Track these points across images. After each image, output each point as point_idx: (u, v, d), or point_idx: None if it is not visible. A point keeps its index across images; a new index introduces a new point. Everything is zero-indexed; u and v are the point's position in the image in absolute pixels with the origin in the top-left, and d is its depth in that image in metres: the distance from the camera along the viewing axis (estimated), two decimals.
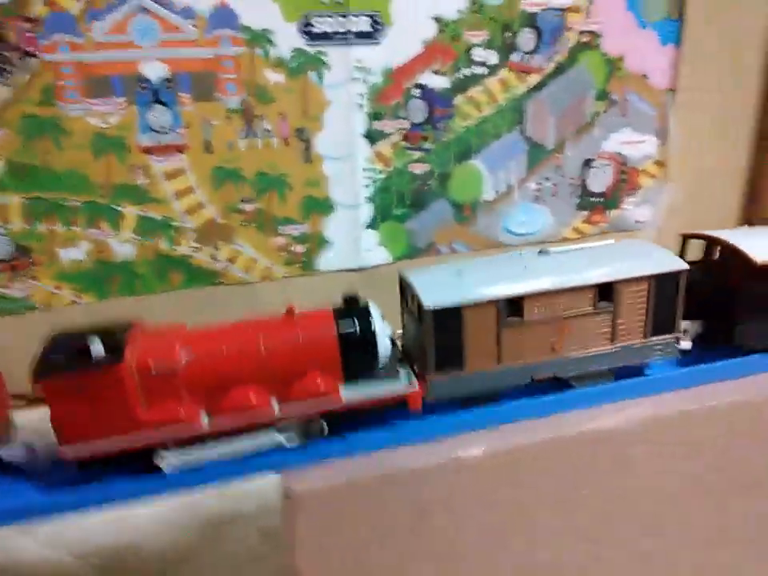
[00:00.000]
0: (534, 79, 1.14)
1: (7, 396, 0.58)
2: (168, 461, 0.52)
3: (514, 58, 1.12)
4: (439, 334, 0.53)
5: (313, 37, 1.00)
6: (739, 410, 0.62)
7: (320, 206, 1.11)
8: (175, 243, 1.07)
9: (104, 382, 0.48)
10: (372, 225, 1.16)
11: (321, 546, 0.53)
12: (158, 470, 0.53)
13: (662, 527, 0.65)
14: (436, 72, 1.08)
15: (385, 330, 0.54)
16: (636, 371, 0.63)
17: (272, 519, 0.49)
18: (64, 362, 0.48)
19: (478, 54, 1.09)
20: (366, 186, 1.12)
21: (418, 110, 1.10)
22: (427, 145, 1.13)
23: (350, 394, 0.54)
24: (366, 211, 1.14)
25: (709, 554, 0.67)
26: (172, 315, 1.12)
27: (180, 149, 1.01)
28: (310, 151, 1.07)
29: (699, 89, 1.25)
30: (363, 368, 0.54)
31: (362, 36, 1.02)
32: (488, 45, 1.10)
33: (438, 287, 0.55)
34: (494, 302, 0.54)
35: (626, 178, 1.27)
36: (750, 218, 1.39)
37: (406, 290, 0.59)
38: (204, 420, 0.52)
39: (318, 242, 1.14)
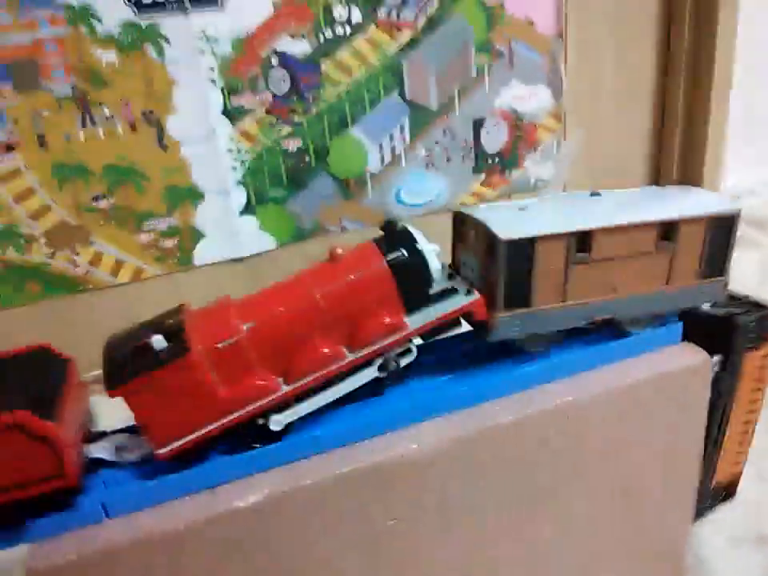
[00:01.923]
0: (406, 36, 1.05)
1: (83, 387, 0.54)
2: (274, 422, 0.51)
3: (381, 13, 1.03)
4: (511, 269, 0.52)
5: (142, 6, 0.89)
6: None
7: (185, 195, 1.02)
8: (26, 251, 0.96)
9: (178, 374, 0.47)
10: (249, 210, 1.07)
11: None
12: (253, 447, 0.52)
13: None
14: (293, 36, 0.98)
15: (432, 248, 0.53)
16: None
17: None
18: (132, 366, 0.47)
19: (340, 12, 1.00)
20: (234, 168, 1.02)
21: (279, 81, 1.00)
22: (297, 118, 1.04)
23: (415, 319, 0.52)
24: (239, 196, 1.05)
25: None
26: (37, 328, 1.04)
27: (10, 147, 0.90)
28: (163, 136, 0.97)
29: (590, 31, 1.18)
30: (420, 291, 0.53)
31: (202, 1, 0.92)
32: (349, 0, 1.00)
33: (506, 222, 0.53)
34: (565, 236, 0.52)
35: (522, 134, 1.19)
36: (658, 165, 1.33)
37: (465, 227, 0.56)
38: (281, 383, 0.50)
39: (189, 234, 1.04)
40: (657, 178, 1.33)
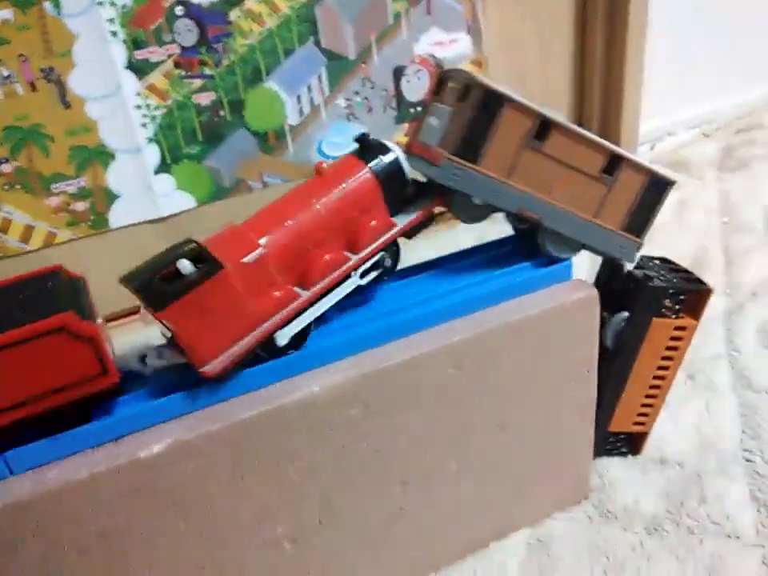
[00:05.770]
0: None
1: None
2: (280, 337, 0.54)
3: None
4: (476, 117, 0.54)
5: None
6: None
7: (94, 155, 0.98)
8: None
9: (216, 291, 0.49)
10: (164, 168, 1.04)
11: None
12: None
13: None
14: None
15: (403, 154, 0.58)
16: None
17: None
18: (170, 288, 0.48)
19: None
20: (144, 125, 0.99)
21: (186, 32, 0.96)
22: (208, 70, 1.00)
23: (399, 220, 0.57)
24: (153, 154, 1.02)
25: None
26: None
27: None
28: (65, 94, 0.93)
29: None
30: (400, 194, 0.58)
31: None
32: None
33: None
34: (533, 113, 0.55)
35: None
36: (580, 111, 1.34)
37: (450, 83, 0.58)
38: (302, 293, 0.54)
39: (102, 196, 1.01)
40: (579, 124, 1.34)
